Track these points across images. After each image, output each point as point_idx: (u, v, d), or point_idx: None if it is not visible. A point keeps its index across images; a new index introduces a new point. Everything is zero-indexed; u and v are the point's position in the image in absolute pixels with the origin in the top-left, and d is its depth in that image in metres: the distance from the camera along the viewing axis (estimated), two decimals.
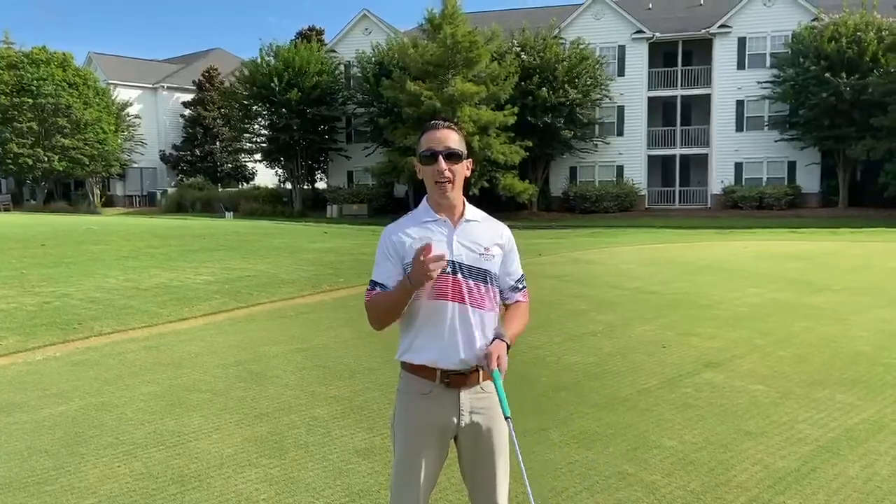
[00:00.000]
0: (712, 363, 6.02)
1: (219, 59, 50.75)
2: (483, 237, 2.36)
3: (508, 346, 2.32)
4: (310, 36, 48.03)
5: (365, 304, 2.37)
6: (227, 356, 6.36)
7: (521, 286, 2.48)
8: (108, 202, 44.48)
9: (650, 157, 36.34)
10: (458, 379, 2.33)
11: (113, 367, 6.02)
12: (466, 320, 2.30)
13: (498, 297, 2.42)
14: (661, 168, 37.13)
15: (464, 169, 2.34)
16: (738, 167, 34.64)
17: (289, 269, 12.05)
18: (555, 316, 8.06)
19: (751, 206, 32.90)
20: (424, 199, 2.42)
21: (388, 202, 36.47)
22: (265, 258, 13.67)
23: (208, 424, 4.62)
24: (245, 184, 47.45)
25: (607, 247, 16.86)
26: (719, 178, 34.86)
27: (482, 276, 2.33)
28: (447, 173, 2.28)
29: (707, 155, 35.58)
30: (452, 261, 2.29)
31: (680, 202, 36.34)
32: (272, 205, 37.92)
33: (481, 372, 2.34)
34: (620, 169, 35.94)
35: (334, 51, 39.66)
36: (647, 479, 3.74)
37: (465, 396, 2.34)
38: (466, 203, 2.40)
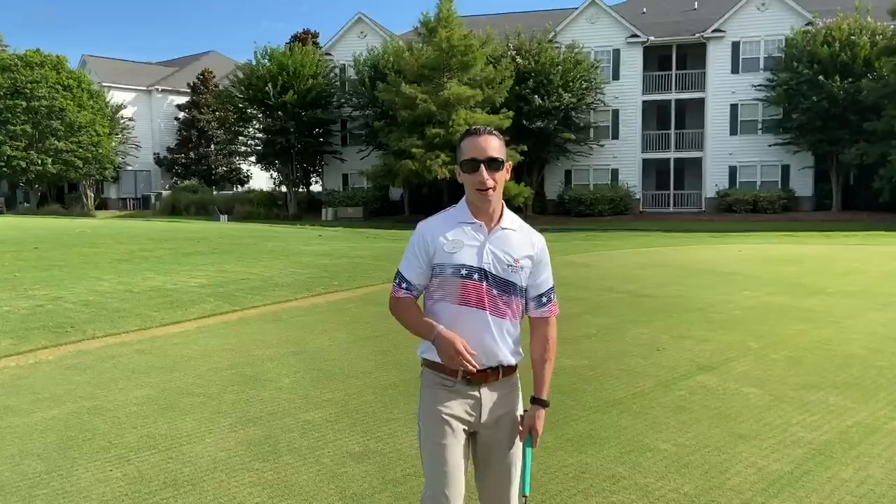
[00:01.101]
0: (706, 366, 6.03)
1: (213, 62, 50.71)
2: (516, 248, 2.37)
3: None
4: (305, 39, 48.12)
5: (391, 297, 2.42)
6: (220, 359, 6.34)
7: (546, 299, 2.48)
8: (102, 205, 44.34)
9: (645, 161, 36.44)
10: (479, 376, 2.36)
11: (106, 371, 5.99)
12: (488, 327, 2.35)
13: (522, 307, 2.45)
14: (655, 172, 37.22)
15: (505, 175, 2.36)
16: (733, 171, 34.77)
17: (283, 272, 12.03)
18: None
19: (745, 209, 33.01)
20: (463, 200, 2.43)
21: (383, 205, 36.49)
22: (259, 261, 13.64)
23: (202, 428, 4.60)
24: (240, 187, 47.39)
25: (602, 250, 16.88)
26: (713, 181, 34.98)
27: (509, 287, 2.37)
28: (489, 182, 2.31)
29: (701, 158, 35.70)
30: (482, 268, 2.32)
31: (674, 206, 36.44)
32: (267, 208, 37.88)
33: (501, 369, 2.40)
34: (615, 172, 36.03)
35: (329, 54, 39.69)
36: (641, 482, 3.74)
37: (486, 392, 2.39)
38: (505, 209, 2.42)
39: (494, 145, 2.33)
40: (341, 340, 7.09)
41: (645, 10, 38.67)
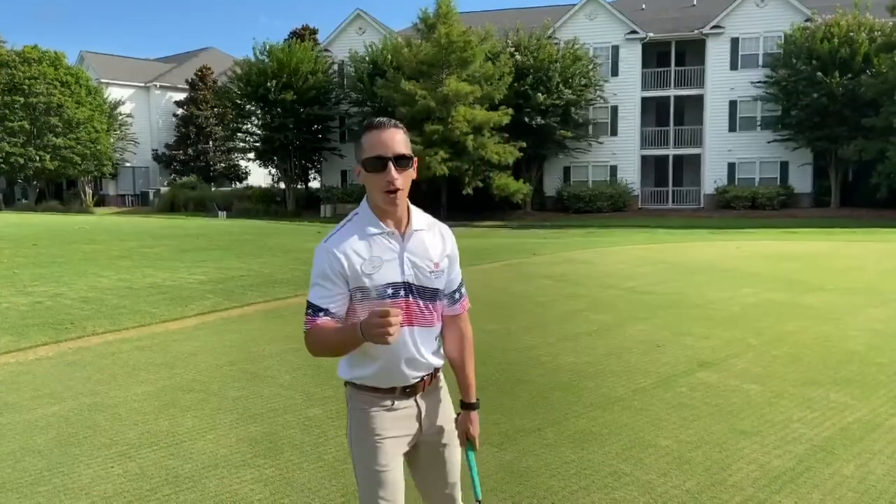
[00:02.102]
0: (707, 363, 6.03)
1: (211, 59, 50.62)
2: (432, 250, 2.19)
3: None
4: (303, 35, 48.01)
5: (306, 331, 2.12)
6: (221, 356, 6.33)
7: (458, 295, 2.34)
8: (101, 202, 44.30)
9: (643, 158, 36.45)
10: (415, 386, 2.25)
11: (106, 368, 5.98)
12: (419, 341, 2.20)
13: (441, 308, 2.30)
14: (654, 168, 37.23)
15: (412, 174, 2.13)
16: (731, 167, 34.78)
17: (283, 268, 12.02)
18: (549, 316, 8.06)
19: (744, 206, 33.03)
20: (364, 203, 2.17)
21: None
22: (259, 258, 13.64)
23: (203, 424, 4.59)
24: (238, 183, 47.36)
25: (601, 247, 16.88)
26: (712, 178, 34.99)
27: (433, 294, 2.20)
28: (399, 182, 2.07)
29: (700, 155, 35.71)
30: (405, 282, 2.13)
31: (673, 202, 36.46)
32: (266, 204, 37.86)
33: (432, 374, 2.29)
34: (614, 169, 36.03)
35: (328, 50, 39.63)
36: (642, 479, 3.74)
37: (422, 401, 2.28)
38: (411, 207, 2.20)
39: (401, 140, 2.08)
40: None
41: (644, 6, 38.64)
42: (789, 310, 8.38)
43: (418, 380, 2.23)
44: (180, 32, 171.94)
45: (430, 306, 2.21)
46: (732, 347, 6.56)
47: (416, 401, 2.26)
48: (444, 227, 2.28)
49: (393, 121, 2.12)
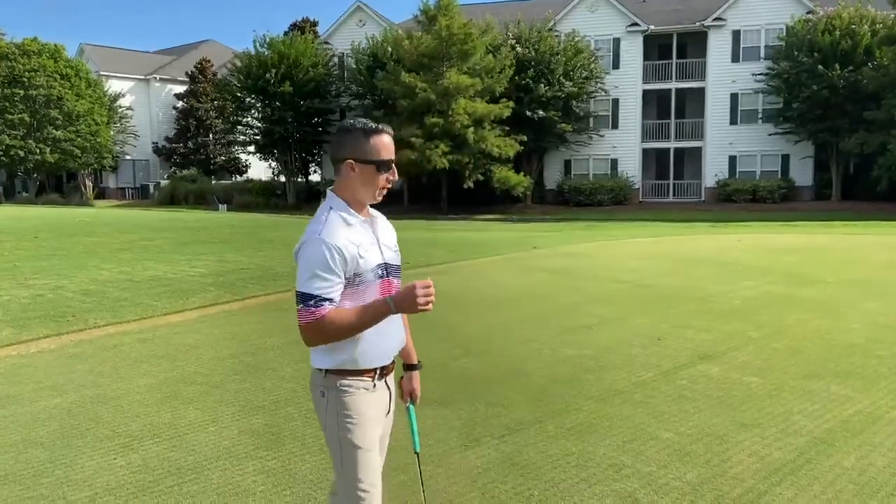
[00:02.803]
0: (707, 355, 6.04)
1: (211, 51, 50.53)
2: (389, 234, 2.46)
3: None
4: (304, 27, 47.92)
5: (312, 322, 2.21)
6: (222, 348, 6.35)
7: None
8: (101, 194, 44.29)
9: (644, 151, 36.40)
10: (389, 367, 2.46)
11: (108, 360, 6.00)
12: (396, 318, 2.40)
13: None
14: (655, 161, 37.19)
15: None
16: (732, 160, 34.74)
17: (284, 262, 12.02)
18: (550, 309, 8.07)
19: (744, 199, 33.00)
20: (334, 196, 2.34)
21: None
22: (260, 251, 13.65)
23: (205, 417, 4.60)
24: (238, 176, 47.31)
25: (602, 240, 16.88)
26: (713, 171, 34.95)
27: (398, 272, 2.45)
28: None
29: (701, 148, 35.66)
30: (385, 263, 2.36)
31: (674, 195, 36.43)
32: (266, 197, 37.84)
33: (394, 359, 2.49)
34: (615, 162, 36.00)
35: (328, 43, 39.54)
36: (643, 471, 3.75)
37: (390, 381, 2.48)
38: None
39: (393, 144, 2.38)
40: None
41: None
42: (790, 303, 8.39)
43: (391, 361, 2.44)
44: (180, 24, 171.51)
45: (398, 283, 2.43)
46: (733, 340, 6.56)
47: (385, 382, 2.45)
48: (381, 214, 2.53)
49: (388, 127, 2.36)
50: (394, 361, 2.47)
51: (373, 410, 2.38)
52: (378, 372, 2.37)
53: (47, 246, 14.12)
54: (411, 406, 2.60)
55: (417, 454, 2.54)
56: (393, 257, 2.41)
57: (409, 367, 2.64)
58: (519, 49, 33.29)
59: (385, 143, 2.31)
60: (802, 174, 33.67)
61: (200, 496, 3.49)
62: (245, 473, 3.75)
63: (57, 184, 44.55)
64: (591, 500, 3.43)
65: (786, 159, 33.93)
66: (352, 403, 2.34)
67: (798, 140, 32.44)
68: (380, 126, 2.33)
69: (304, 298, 2.23)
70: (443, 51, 30.77)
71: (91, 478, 3.70)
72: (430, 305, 2.16)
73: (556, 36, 34.35)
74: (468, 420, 4.51)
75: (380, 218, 2.46)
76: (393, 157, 2.34)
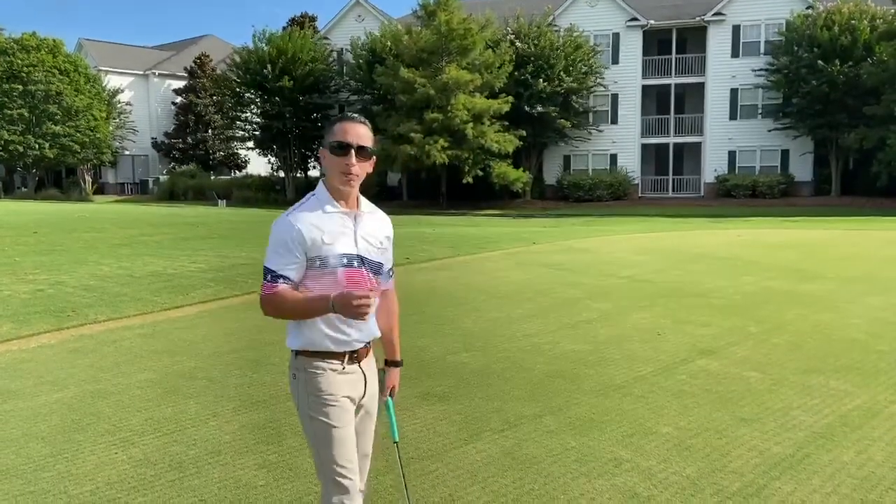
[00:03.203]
0: (707, 350, 6.05)
1: (210, 46, 50.42)
2: (378, 231, 2.49)
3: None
4: (303, 23, 47.83)
5: (263, 298, 2.37)
6: (222, 344, 6.35)
7: (392, 272, 2.65)
8: (100, 190, 44.25)
9: (644, 146, 36.37)
10: (361, 352, 2.51)
11: (108, 355, 6.00)
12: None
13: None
14: (654, 156, 37.16)
15: (368, 167, 2.42)
16: (732, 156, 34.72)
17: None
18: (550, 304, 8.08)
19: (744, 194, 33.00)
20: (321, 186, 2.44)
21: (381, 190, 36.41)
22: (260, 246, 13.62)
23: (205, 411, 4.61)
24: (237, 172, 47.26)
25: (601, 235, 16.89)
26: (713, 166, 34.94)
27: (377, 268, 2.49)
28: (355, 169, 2.35)
29: (701, 143, 35.63)
30: (359, 255, 2.40)
31: (673, 191, 36.42)
32: (265, 193, 37.82)
33: (369, 345, 2.55)
34: (614, 157, 35.97)
35: (327, 38, 39.48)
36: (643, 465, 3.76)
37: (366, 367, 2.53)
38: (360, 196, 2.50)
39: (365, 133, 2.38)
40: None
41: None
42: (789, 298, 8.40)
43: (362, 346, 2.49)
44: (179, 20, 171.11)
45: (376, 279, 2.49)
46: (733, 335, 6.58)
47: (360, 367, 2.50)
48: (383, 213, 2.60)
49: (361, 117, 2.41)
50: (368, 348, 2.53)
51: (344, 391, 2.44)
52: (347, 356, 2.44)
53: (47, 241, 14.11)
54: (389, 399, 2.71)
55: (396, 444, 2.62)
56: (371, 252, 2.44)
57: (391, 364, 2.72)
58: (518, 44, 33.24)
59: (344, 128, 2.35)
60: (802, 169, 33.67)
61: (202, 490, 3.50)
62: (246, 468, 3.76)
63: (56, 179, 44.50)
64: (591, 494, 3.44)
65: (785, 154, 33.92)
66: (321, 384, 2.42)
67: (797, 135, 32.42)
68: (347, 114, 2.44)
69: (265, 272, 2.37)
70: (442, 46, 30.72)
71: (92, 472, 3.71)
72: (365, 315, 2.21)
73: (556, 31, 34.30)
74: (468, 415, 4.52)
75: (371, 213, 2.50)
76: (351, 141, 2.33)
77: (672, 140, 36.20)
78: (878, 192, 29.84)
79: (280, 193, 38.47)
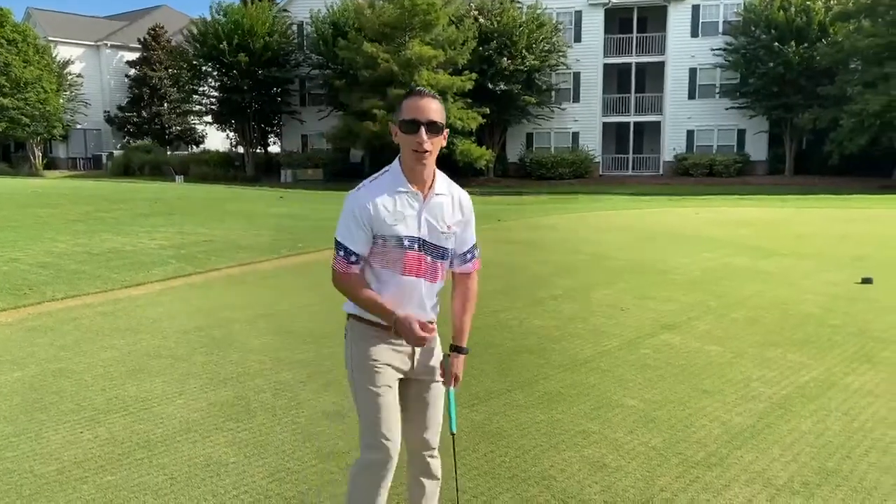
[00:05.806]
0: (669, 325, 6.18)
1: (165, 17, 49.01)
2: (447, 215, 2.45)
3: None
4: None
5: (337, 273, 2.41)
6: (186, 322, 6.27)
7: (470, 255, 2.61)
8: (51, 165, 42.87)
9: (605, 125, 36.62)
10: None
11: (68, 333, 5.88)
12: (421, 292, 2.46)
13: (447, 269, 2.56)
14: (615, 135, 37.46)
15: (442, 141, 2.37)
16: (690, 135, 35.19)
17: (246, 234, 11.87)
18: (517, 281, 8.14)
19: (701, 173, 33.52)
20: (397, 162, 2.42)
21: (343, 167, 36.01)
22: (221, 223, 13.43)
23: (171, 389, 4.56)
24: (195, 147, 46.25)
25: (564, 213, 17.04)
26: (671, 145, 35.38)
27: (442, 252, 2.47)
28: (427, 145, 2.31)
29: (660, 122, 36.02)
30: (420, 238, 2.39)
31: (633, 169, 36.81)
32: (224, 169, 37.08)
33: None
34: (576, 136, 36.16)
35: (287, 10, 38.64)
36: (610, 437, 3.84)
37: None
38: (437, 172, 2.44)
39: (436, 108, 2.33)
40: (310, 302, 7.06)
41: None
42: (747, 274, 8.61)
43: None
44: None
45: (438, 263, 2.48)
46: (694, 310, 6.73)
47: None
48: (463, 194, 2.53)
49: (432, 91, 2.39)
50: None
51: (387, 357, 2.46)
52: (394, 328, 2.42)
53: None
54: (451, 389, 2.59)
55: (453, 435, 2.56)
56: (436, 236, 2.42)
57: (457, 349, 2.59)
58: (482, 20, 33.03)
59: (414, 105, 2.31)
60: (757, 149, 34.31)
61: (171, 468, 3.47)
62: (216, 445, 3.73)
63: (4, 153, 43.03)
64: (561, 465, 3.51)
65: (741, 134, 34.50)
66: (366, 349, 2.46)
67: (753, 115, 32.99)
68: (418, 88, 2.40)
69: (336, 245, 2.41)
70: (405, 21, 30.34)
71: (58, 451, 3.65)
72: (419, 343, 2.37)
73: (519, 7, 34.16)
74: None
75: (445, 194, 2.45)
76: (421, 118, 2.29)
77: (632, 119, 36.51)
78: (830, 171, 30.60)
79: (239, 170, 37.80)
